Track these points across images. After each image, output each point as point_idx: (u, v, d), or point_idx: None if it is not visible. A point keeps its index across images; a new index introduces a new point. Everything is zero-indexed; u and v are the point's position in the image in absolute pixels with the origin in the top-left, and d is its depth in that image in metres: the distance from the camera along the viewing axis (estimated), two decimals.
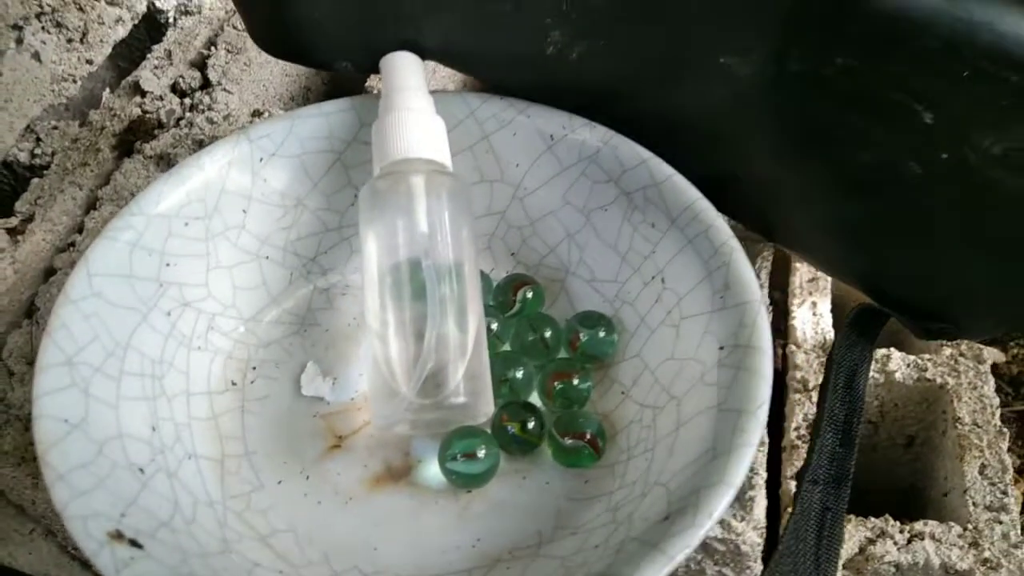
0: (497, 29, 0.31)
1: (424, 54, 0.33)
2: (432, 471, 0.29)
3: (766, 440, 0.32)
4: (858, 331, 0.38)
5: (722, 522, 0.28)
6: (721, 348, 0.27)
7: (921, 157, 0.30)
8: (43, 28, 0.44)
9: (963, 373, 0.59)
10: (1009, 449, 0.57)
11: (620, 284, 0.32)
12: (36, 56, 0.44)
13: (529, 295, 0.32)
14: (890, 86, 0.29)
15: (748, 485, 0.29)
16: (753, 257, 0.38)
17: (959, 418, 0.57)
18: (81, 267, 0.28)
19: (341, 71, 0.34)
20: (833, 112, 0.30)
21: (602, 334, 0.31)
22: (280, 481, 0.29)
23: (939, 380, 0.59)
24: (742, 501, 0.29)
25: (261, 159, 0.32)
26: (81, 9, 0.46)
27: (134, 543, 0.22)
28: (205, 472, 0.27)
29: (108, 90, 0.50)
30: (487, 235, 0.35)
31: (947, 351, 0.62)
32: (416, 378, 0.26)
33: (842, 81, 0.29)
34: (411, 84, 0.30)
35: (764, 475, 0.30)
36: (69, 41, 0.46)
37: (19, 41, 0.43)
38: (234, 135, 0.32)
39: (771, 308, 0.65)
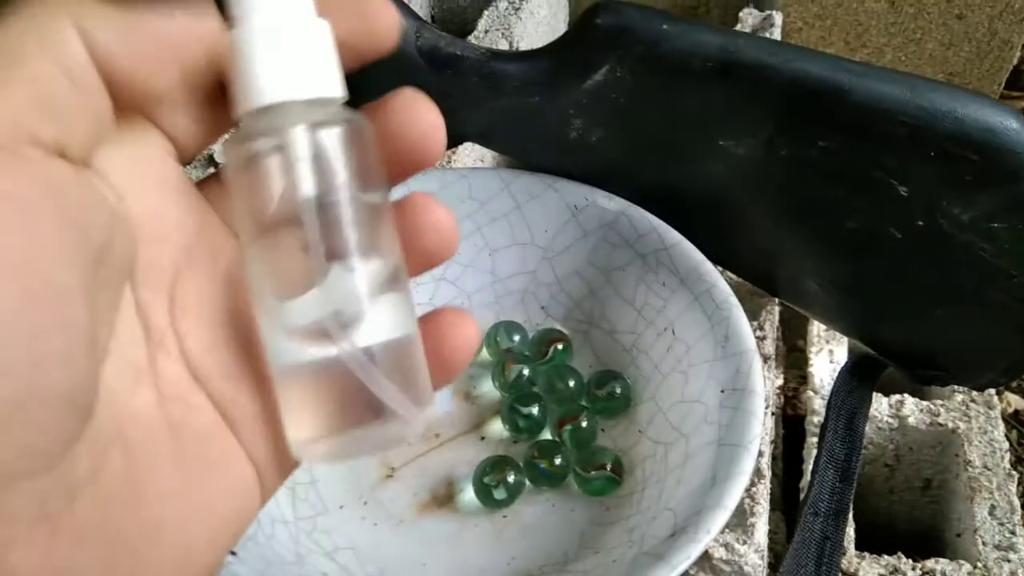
0: (528, 119, 0.37)
1: (465, 137, 0.39)
2: (472, 498, 0.33)
3: (767, 473, 0.36)
4: (857, 377, 0.42)
5: (727, 545, 0.32)
6: (722, 391, 0.32)
7: (900, 224, 0.35)
8: None
9: (974, 418, 0.62)
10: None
11: (637, 335, 0.37)
12: None
13: (560, 347, 0.37)
14: (867, 165, 0.34)
15: (750, 512, 0.33)
16: (758, 310, 0.42)
17: (970, 461, 0.60)
18: None
19: None
20: (819, 186, 0.35)
21: (617, 391, 0.35)
22: (342, 506, 0.34)
23: (951, 425, 0.62)
24: (744, 527, 0.33)
25: None
26: None
27: (231, 550, 0.27)
28: (280, 496, 0.32)
29: None
30: (520, 290, 0.40)
31: (959, 397, 0.65)
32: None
33: (825, 161, 0.34)
34: None
35: (766, 505, 0.34)
36: None
37: None
38: None
39: (790, 353, 0.69)
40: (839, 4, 0.68)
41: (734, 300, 0.34)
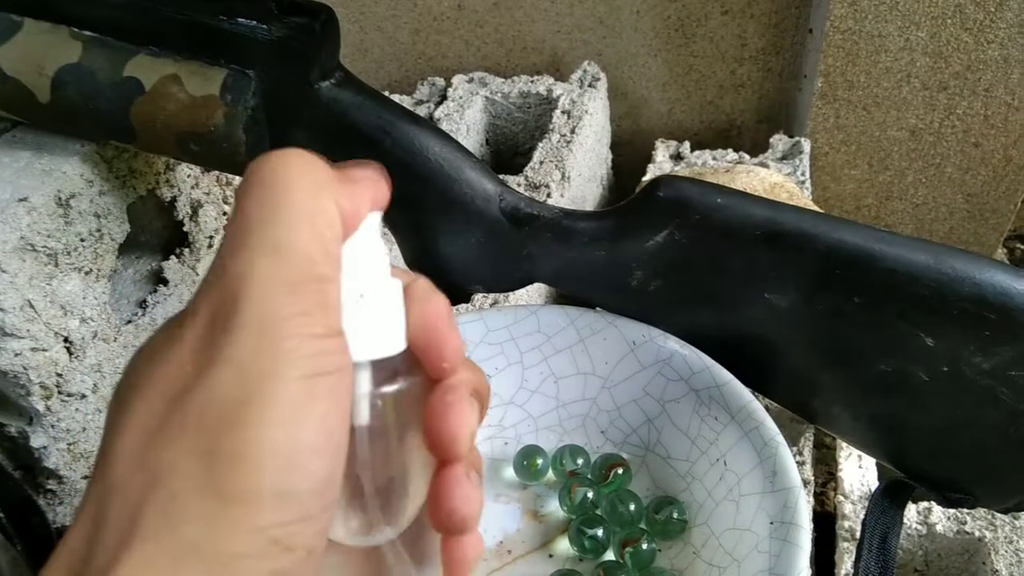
0: (594, 267, 0.42)
1: (536, 279, 0.44)
2: None
3: None
4: (888, 499, 0.46)
5: None
6: (771, 523, 0.36)
7: (926, 369, 0.39)
8: None
9: (999, 528, 0.65)
10: None
11: (691, 463, 0.41)
12: None
13: (620, 472, 0.41)
14: (896, 320, 0.38)
15: None
16: (797, 437, 0.46)
17: (997, 571, 0.63)
18: None
19: (472, 292, 0.45)
20: (854, 335, 0.39)
21: (674, 516, 0.39)
22: None
23: (977, 534, 0.65)
24: None
25: None
26: None
27: None
28: None
29: None
30: (582, 415, 0.44)
31: None
32: None
33: (859, 314, 0.38)
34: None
35: None
36: None
37: (210, 246, 0.55)
38: None
39: (817, 450, 0.71)
40: (863, 132, 0.74)
41: (781, 439, 0.38)
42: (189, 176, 0.51)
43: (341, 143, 0.40)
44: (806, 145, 0.72)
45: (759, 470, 0.38)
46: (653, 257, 0.40)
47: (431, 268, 0.44)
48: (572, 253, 0.42)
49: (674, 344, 0.42)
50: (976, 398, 0.39)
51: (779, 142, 0.73)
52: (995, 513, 0.68)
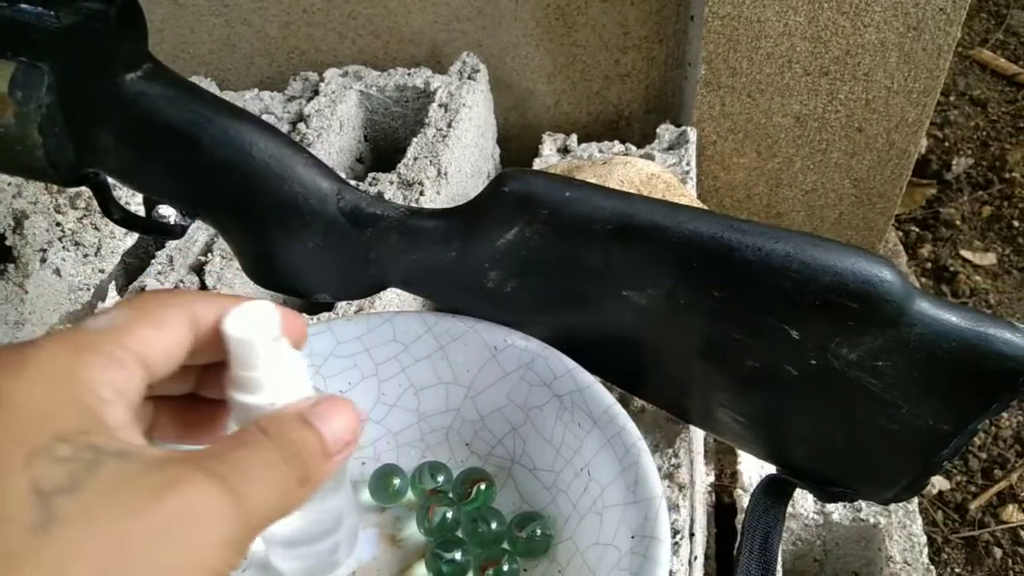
0: (447, 269, 0.39)
1: (387, 284, 0.41)
2: None
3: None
4: (770, 498, 0.44)
5: None
6: (632, 537, 0.33)
7: (794, 363, 0.37)
8: (63, 248, 0.52)
9: (893, 513, 0.64)
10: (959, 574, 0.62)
11: (556, 473, 0.38)
12: (57, 272, 0.51)
13: (483, 487, 0.39)
14: (760, 312, 0.36)
15: None
16: (673, 438, 0.44)
17: (891, 556, 0.63)
18: None
19: (318, 300, 0.41)
20: (719, 329, 0.37)
21: (538, 533, 0.37)
22: None
23: (872, 520, 0.64)
24: None
25: None
26: (96, 228, 0.54)
27: None
28: None
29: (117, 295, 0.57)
30: (444, 428, 0.41)
31: None
32: None
33: (723, 308, 0.36)
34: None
35: None
36: (85, 256, 0.53)
37: (43, 260, 0.51)
38: None
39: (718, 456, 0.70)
40: (749, 119, 0.73)
41: (642, 445, 0.36)
42: (10, 184, 0.46)
43: (154, 143, 0.36)
44: (692, 134, 0.71)
45: (621, 480, 0.35)
46: (505, 256, 0.37)
47: (269, 277, 0.40)
48: (421, 254, 0.39)
49: (535, 347, 0.40)
50: (846, 390, 0.37)
51: (665, 132, 0.71)
52: None
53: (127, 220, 0.41)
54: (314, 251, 0.38)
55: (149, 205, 0.41)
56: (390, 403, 0.42)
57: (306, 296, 0.41)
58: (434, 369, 0.41)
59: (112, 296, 0.55)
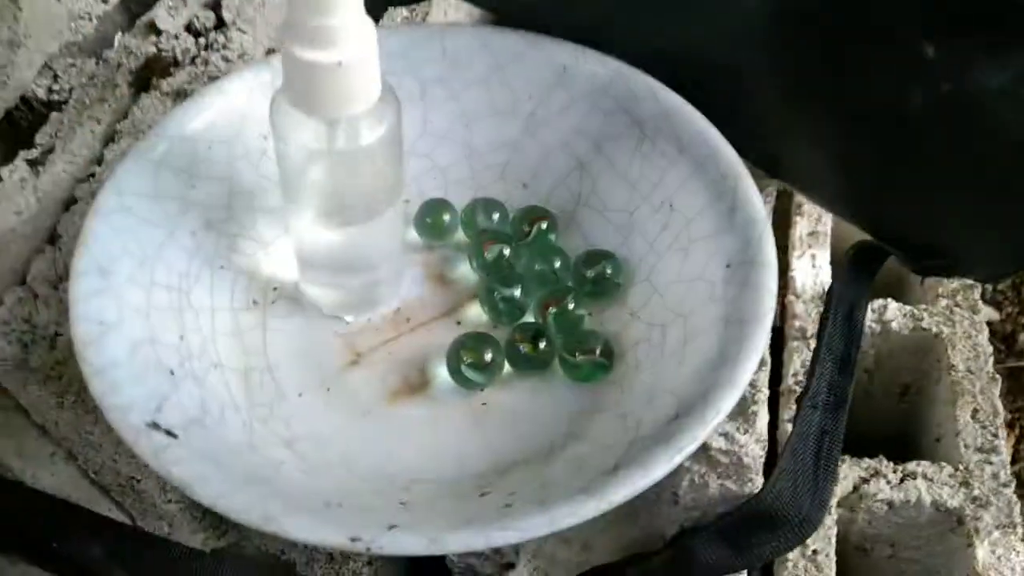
0: None
1: None
2: (447, 382, 0.30)
3: (768, 360, 0.33)
4: (858, 267, 0.39)
5: (726, 435, 0.30)
6: (728, 266, 0.29)
7: (922, 90, 0.31)
8: None
9: (958, 323, 0.60)
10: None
11: (630, 212, 0.33)
12: None
13: (544, 226, 0.33)
14: (887, 23, 0.30)
15: (751, 400, 0.30)
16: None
17: (953, 366, 0.59)
18: (110, 184, 0.29)
19: None
20: (836, 44, 0.31)
21: (608, 271, 0.32)
22: (301, 393, 0.30)
23: (934, 329, 0.60)
24: (746, 415, 0.30)
25: None
26: None
27: (170, 433, 0.23)
28: (231, 381, 0.29)
29: (122, 32, 0.50)
30: (500, 164, 0.36)
31: (943, 302, 0.63)
32: None
33: (839, 19, 0.30)
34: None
35: (766, 392, 0.32)
36: None
37: None
38: (256, 63, 0.33)
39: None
40: None
41: (741, 167, 0.30)
42: None
43: None
44: None
45: (713, 208, 0.30)
46: None
47: None
48: None
49: (613, 65, 0.33)
50: (977, 129, 0.31)
51: None
52: (953, 308, 0.63)
53: None
54: None
55: None
56: (437, 134, 0.36)
57: None
58: (489, 94, 0.35)
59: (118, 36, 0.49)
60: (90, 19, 0.47)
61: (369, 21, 0.25)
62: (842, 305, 0.38)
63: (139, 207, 0.29)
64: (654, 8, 0.33)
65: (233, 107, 0.32)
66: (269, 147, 0.33)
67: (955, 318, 0.61)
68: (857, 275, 0.39)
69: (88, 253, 0.27)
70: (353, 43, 0.25)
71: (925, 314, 0.61)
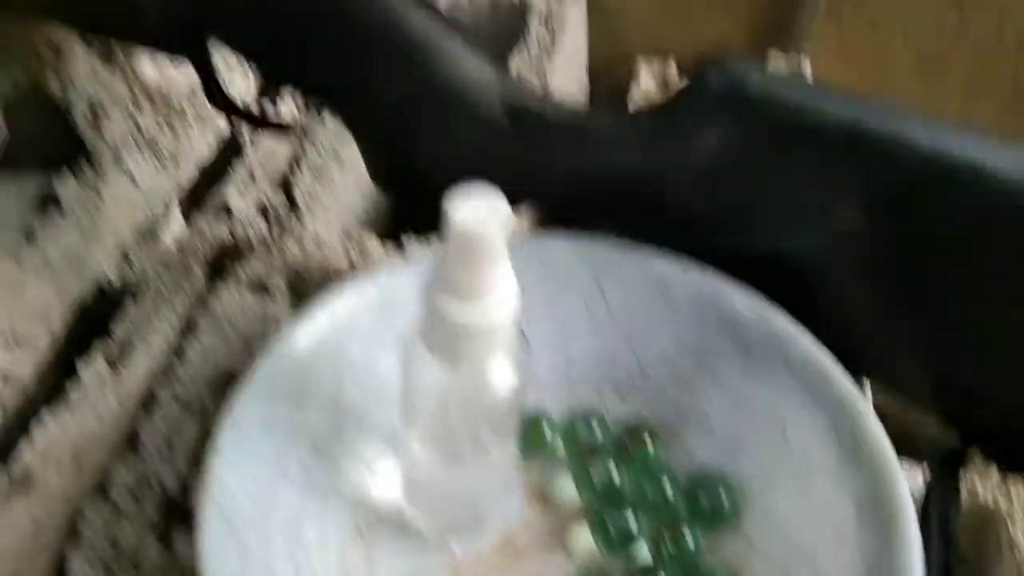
0: (616, 180, 0.33)
1: (538, 195, 0.35)
2: None
3: None
4: (947, 472, 0.39)
5: None
6: (857, 508, 0.28)
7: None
8: (139, 150, 0.45)
9: (1016, 496, 0.59)
10: None
11: (738, 435, 0.33)
12: (131, 178, 0.45)
13: (649, 443, 0.33)
14: (1000, 250, 0.30)
15: None
16: None
17: (1014, 542, 0.57)
18: (228, 423, 0.28)
19: None
20: (937, 269, 0.32)
21: (723, 497, 0.31)
22: None
23: (989, 503, 0.59)
24: None
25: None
26: (173, 130, 0.47)
27: None
28: None
29: (182, 206, 0.50)
30: (595, 377, 0.36)
31: (996, 474, 0.62)
32: None
33: (949, 244, 0.31)
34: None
35: None
36: (160, 162, 0.47)
37: (117, 162, 0.44)
38: (359, 280, 0.33)
39: None
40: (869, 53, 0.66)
41: (858, 398, 0.30)
42: (85, 67, 0.40)
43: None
44: (807, 66, 0.65)
45: (833, 439, 0.30)
46: (696, 164, 0.31)
47: (403, 180, 0.34)
48: (590, 160, 0.33)
49: (715, 280, 0.34)
50: None
51: (776, 61, 0.65)
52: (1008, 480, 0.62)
53: (230, 107, 0.35)
54: (466, 149, 0.32)
55: (263, 90, 0.34)
56: (532, 341, 0.36)
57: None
58: (585, 304, 0.35)
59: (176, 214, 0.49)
60: (161, 200, 0.47)
61: (513, 277, 0.25)
62: (935, 515, 0.38)
63: (255, 443, 0.28)
64: (759, 227, 0.33)
65: (338, 325, 0.32)
66: (371, 362, 0.33)
67: (1012, 492, 0.60)
68: (948, 479, 0.39)
69: (212, 503, 0.26)
70: (500, 303, 0.25)
71: (979, 488, 0.60)
